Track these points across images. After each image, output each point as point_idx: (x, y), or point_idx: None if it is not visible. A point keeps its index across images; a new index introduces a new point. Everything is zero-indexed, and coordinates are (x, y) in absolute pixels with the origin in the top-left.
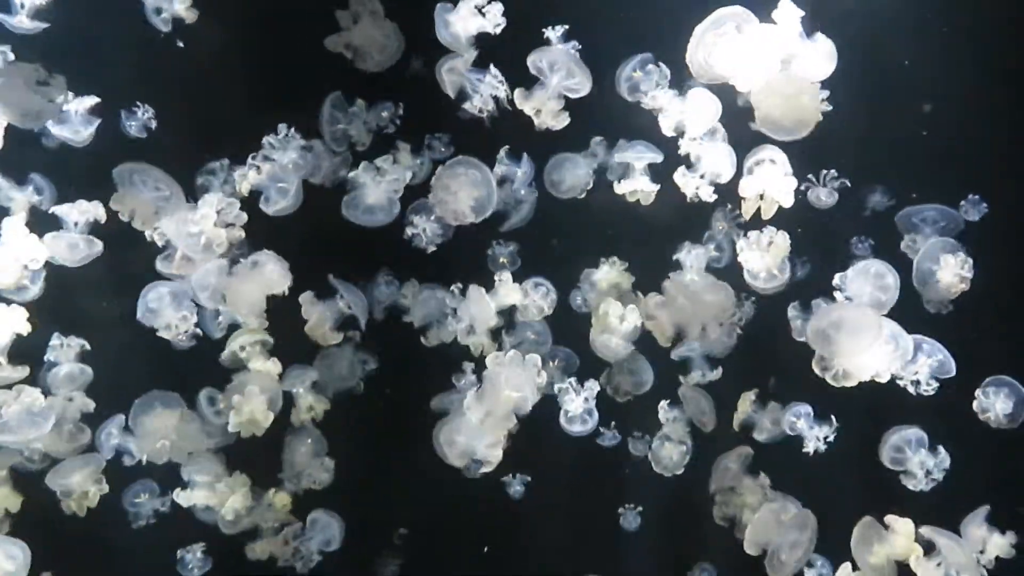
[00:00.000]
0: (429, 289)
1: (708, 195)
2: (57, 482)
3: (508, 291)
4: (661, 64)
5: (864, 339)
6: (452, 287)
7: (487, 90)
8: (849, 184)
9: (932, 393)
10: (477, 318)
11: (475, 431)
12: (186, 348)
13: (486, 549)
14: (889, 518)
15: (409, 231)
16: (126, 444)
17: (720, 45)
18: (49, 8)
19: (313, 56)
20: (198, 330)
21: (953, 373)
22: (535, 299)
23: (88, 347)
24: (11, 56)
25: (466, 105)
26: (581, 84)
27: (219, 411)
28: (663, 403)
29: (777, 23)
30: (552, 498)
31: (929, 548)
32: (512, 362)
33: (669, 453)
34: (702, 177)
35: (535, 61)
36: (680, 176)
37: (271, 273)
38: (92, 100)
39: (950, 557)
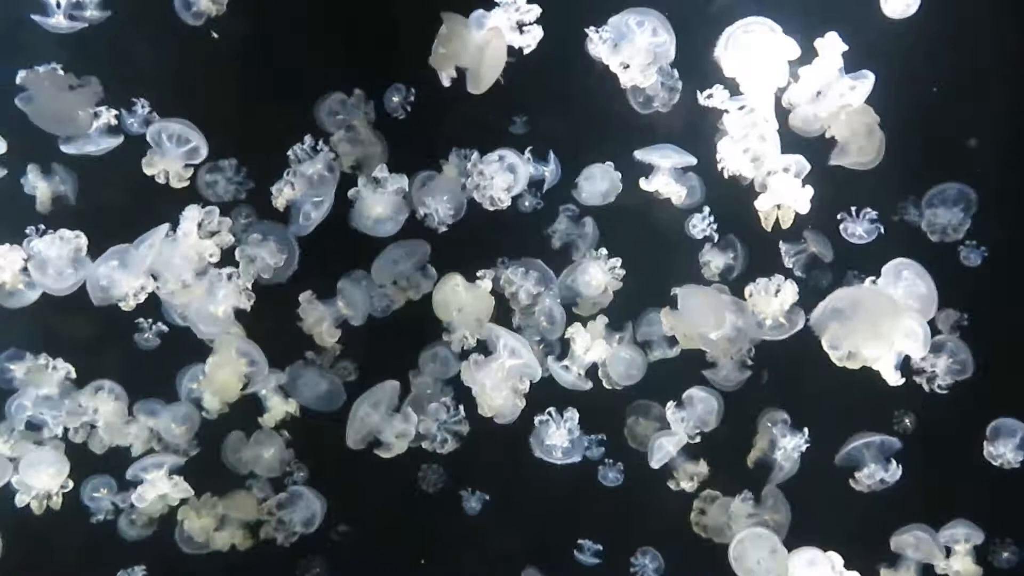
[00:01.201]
0: (400, 247)
1: (749, 172)
2: (21, 478)
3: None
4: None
5: (878, 323)
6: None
7: None
8: (883, 230)
9: (945, 392)
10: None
11: (388, 415)
12: (153, 346)
13: (423, 562)
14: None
15: (421, 211)
16: (40, 416)
17: (741, 46)
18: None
19: (315, 51)
20: (164, 327)
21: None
22: (517, 281)
23: (73, 374)
24: (60, 72)
25: None
26: (667, 44)
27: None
28: (670, 404)
29: (820, 52)
30: (507, 519)
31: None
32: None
33: (644, 430)
34: (745, 152)
35: (622, 20)
36: (724, 147)
37: (231, 293)
38: (110, 115)
39: (916, 555)
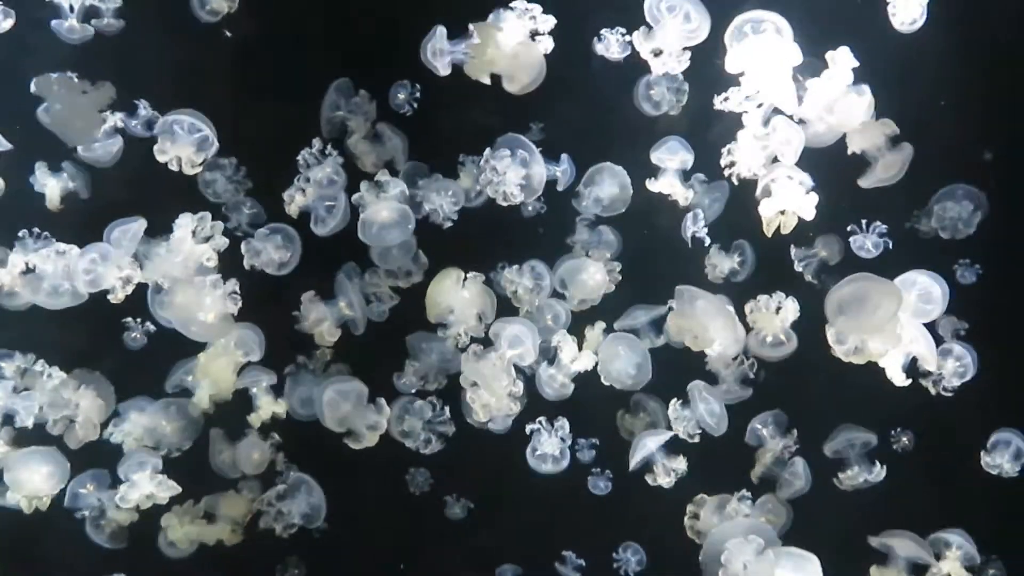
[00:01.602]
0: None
1: (761, 170)
2: (11, 475)
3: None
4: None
5: (883, 315)
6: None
7: None
8: (891, 246)
9: (950, 395)
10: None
11: (362, 404)
12: (142, 345)
13: (402, 567)
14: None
15: (427, 207)
16: (14, 406)
17: (745, 43)
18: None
19: (320, 50)
20: (151, 327)
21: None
22: (515, 279)
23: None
24: (75, 80)
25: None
26: (699, 28)
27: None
28: (674, 401)
29: (830, 66)
30: (492, 525)
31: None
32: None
33: (631, 425)
34: (764, 149)
35: (653, 4)
36: (747, 138)
37: (219, 299)
38: (116, 118)
39: (903, 553)
